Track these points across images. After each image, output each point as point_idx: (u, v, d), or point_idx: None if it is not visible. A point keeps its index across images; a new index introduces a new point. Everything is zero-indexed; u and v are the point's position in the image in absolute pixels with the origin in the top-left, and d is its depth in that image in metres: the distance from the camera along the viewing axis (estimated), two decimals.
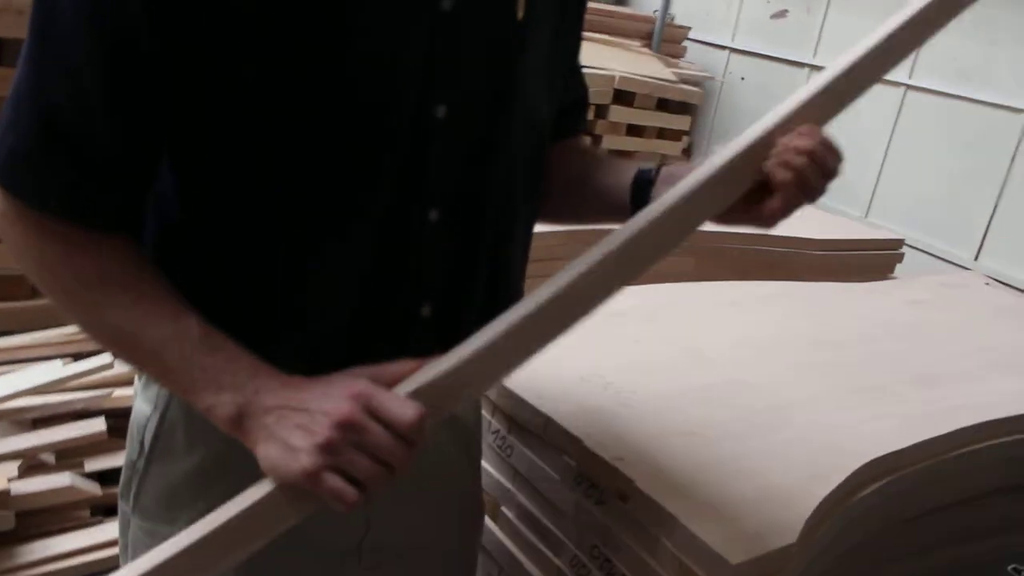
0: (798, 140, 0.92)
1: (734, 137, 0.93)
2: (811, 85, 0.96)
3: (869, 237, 3.13)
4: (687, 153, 5.72)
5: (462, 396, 0.85)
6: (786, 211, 0.93)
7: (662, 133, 5.11)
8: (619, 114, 4.78)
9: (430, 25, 0.86)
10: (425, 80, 0.87)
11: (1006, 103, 4.82)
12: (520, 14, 0.92)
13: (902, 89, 5.40)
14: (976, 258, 5.03)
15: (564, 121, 1.15)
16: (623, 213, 1.03)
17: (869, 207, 5.64)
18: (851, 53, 0.98)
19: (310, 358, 0.88)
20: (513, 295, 1.07)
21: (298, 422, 0.79)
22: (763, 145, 0.92)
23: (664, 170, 1.05)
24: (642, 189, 1.05)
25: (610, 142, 4.83)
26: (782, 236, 2.87)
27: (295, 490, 0.80)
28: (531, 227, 1.11)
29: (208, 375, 0.82)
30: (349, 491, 0.77)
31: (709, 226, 0.96)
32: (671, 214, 0.88)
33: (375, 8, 0.82)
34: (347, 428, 0.77)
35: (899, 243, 3.23)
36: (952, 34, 5.16)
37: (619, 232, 0.87)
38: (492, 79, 0.92)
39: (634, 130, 4.95)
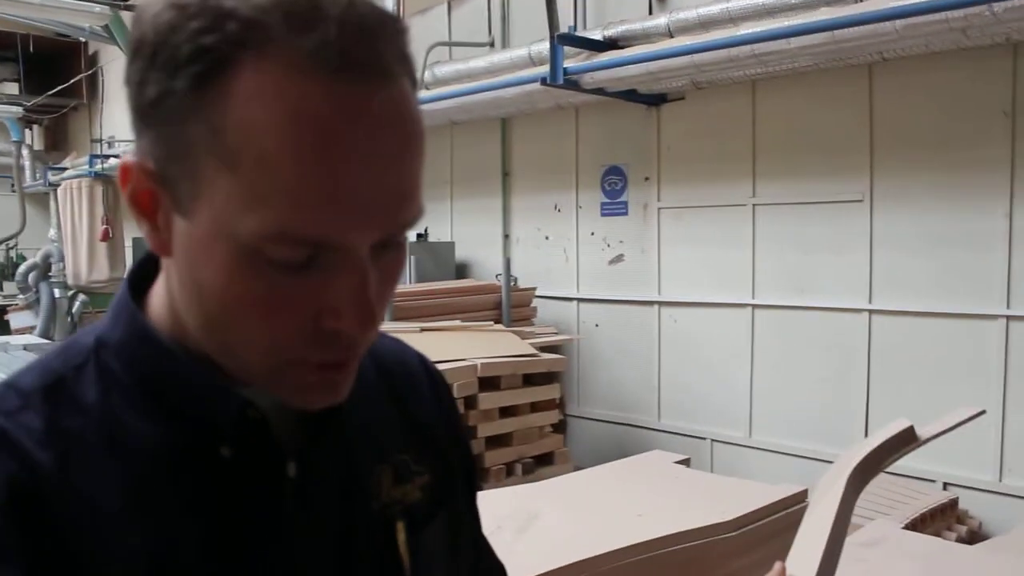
0: None
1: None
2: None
3: (775, 499, 3.01)
4: (560, 408, 5.63)
5: None
6: None
7: (535, 407, 5.01)
8: (488, 400, 4.67)
9: None
10: None
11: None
12: (406, 562, 0.82)
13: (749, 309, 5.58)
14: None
15: None
16: None
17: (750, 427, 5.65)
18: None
19: None
20: None
21: None
22: None
23: None
24: None
25: (485, 429, 4.68)
26: (692, 529, 2.71)
27: None
28: None
29: None
30: None
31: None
32: None
33: None
34: None
35: (804, 495, 3.13)
36: None
37: None
38: None
39: (506, 411, 4.84)
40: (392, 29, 0.63)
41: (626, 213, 6.32)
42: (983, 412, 1.06)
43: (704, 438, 5.86)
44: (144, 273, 0.77)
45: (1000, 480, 4.58)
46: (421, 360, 0.96)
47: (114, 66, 12.00)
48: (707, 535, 2.75)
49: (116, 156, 10.28)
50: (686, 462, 3.71)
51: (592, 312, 6.60)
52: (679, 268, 6.03)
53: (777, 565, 0.95)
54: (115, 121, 12.13)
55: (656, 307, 6.16)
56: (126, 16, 7.23)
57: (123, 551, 0.66)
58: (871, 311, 4.99)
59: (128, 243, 10.81)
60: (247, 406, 0.71)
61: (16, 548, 0.62)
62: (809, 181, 5.21)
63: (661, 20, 5.12)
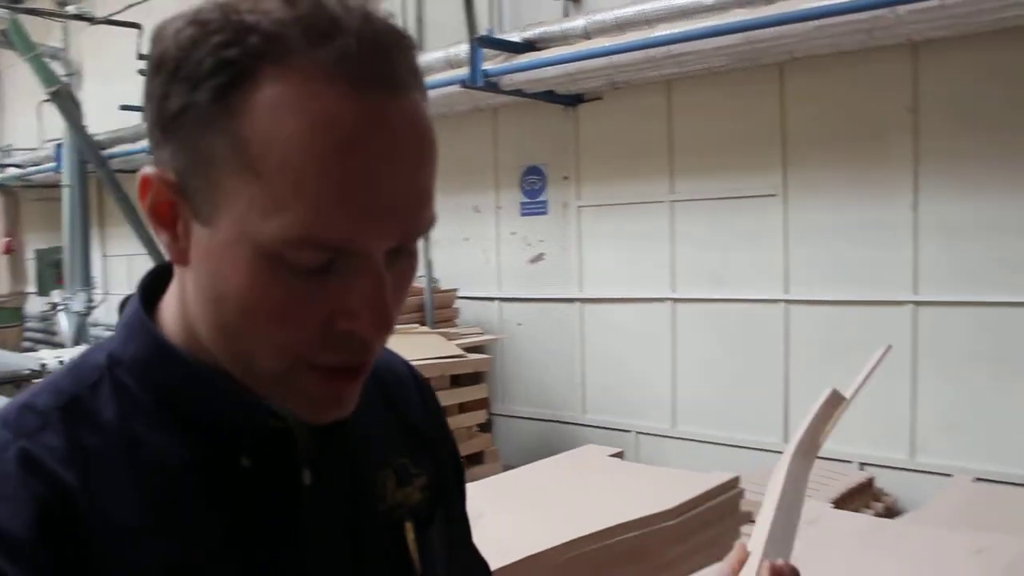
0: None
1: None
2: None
3: (711, 486, 3.10)
4: (487, 409, 5.66)
5: None
6: None
7: (462, 407, 5.05)
8: None
9: None
10: None
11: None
12: (417, 562, 0.84)
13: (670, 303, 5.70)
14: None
15: None
16: None
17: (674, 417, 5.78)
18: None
19: None
20: None
21: None
22: None
23: None
24: None
25: None
26: (636, 519, 2.77)
27: None
28: None
29: None
30: None
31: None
32: None
33: None
34: None
35: (736, 481, 3.23)
36: None
37: None
38: None
39: None
40: (404, 43, 0.65)
41: (546, 212, 6.39)
42: (889, 347, 1.09)
43: (629, 431, 5.96)
44: (153, 287, 0.77)
45: (912, 458, 4.79)
46: (407, 366, 0.99)
47: (11, 72, 11.54)
48: (651, 524, 2.81)
49: (16, 166, 9.91)
50: (620, 455, 3.78)
51: (514, 311, 6.65)
52: (600, 265, 6.12)
53: (738, 544, 0.99)
54: (17, 128, 11.67)
55: (578, 304, 6.24)
56: (25, 19, 6.98)
57: (145, 563, 0.67)
58: (787, 301, 5.16)
59: (30, 255, 10.43)
60: (271, 417, 0.72)
61: (48, 567, 0.63)
62: (725, 177, 5.36)
63: (578, 22, 5.20)
